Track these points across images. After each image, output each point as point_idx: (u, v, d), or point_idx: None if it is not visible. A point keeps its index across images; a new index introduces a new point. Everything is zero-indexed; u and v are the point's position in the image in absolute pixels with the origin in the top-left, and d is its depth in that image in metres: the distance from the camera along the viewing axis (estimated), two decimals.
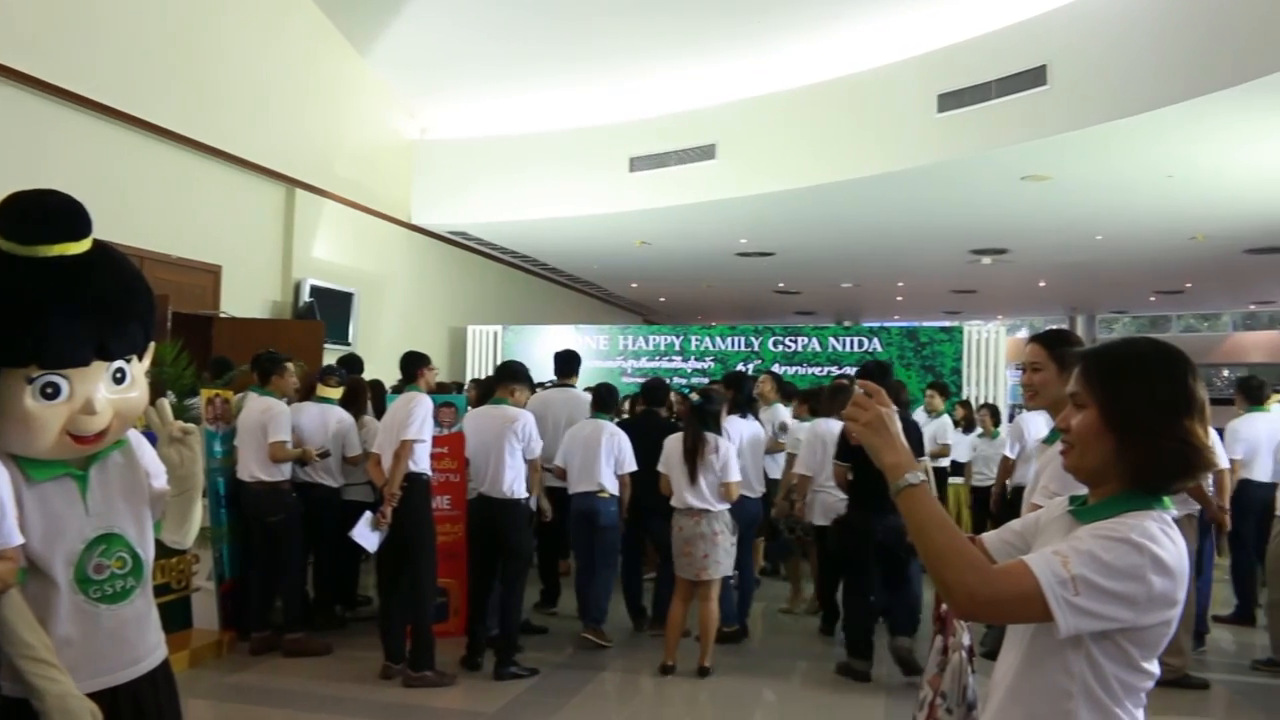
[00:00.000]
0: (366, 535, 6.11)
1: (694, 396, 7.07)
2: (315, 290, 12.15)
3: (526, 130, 14.82)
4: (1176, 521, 1.73)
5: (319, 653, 6.72)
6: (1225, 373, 28.87)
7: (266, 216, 11.83)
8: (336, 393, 7.35)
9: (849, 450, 6.42)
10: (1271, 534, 6.82)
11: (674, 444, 6.56)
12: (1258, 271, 18.95)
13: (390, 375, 9.27)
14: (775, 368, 13.23)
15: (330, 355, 10.48)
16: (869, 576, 6.49)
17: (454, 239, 16.41)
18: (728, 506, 6.44)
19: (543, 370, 9.60)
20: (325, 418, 7.16)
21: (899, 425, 1.82)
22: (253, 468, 6.74)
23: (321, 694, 5.96)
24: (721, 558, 6.37)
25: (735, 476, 6.44)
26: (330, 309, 12.28)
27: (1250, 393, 7.87)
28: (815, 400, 8.20)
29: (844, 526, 6.72)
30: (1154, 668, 1.72)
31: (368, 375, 8.58)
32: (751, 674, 6.57)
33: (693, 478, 6.39)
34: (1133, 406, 1.73)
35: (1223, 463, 6.98)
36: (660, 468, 6.56)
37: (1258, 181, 12.00)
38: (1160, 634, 1.69)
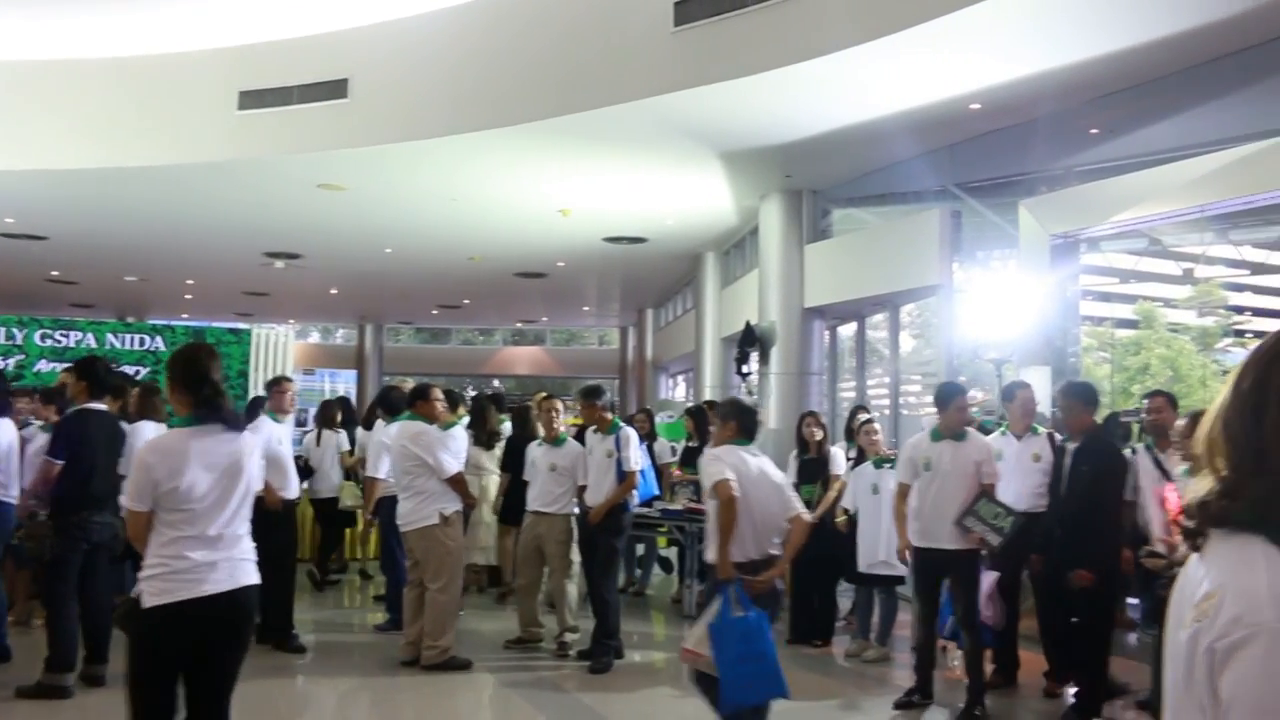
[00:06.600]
0: None
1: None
2: None
3: None
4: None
5: None
6: (496, 382, 31.70)
7: None
8: None
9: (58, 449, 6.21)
10: (523, 527, 7.33)
11: None
12: (525, 293, 21.27)
13: None
14: (42, 364, 11.95)
15: None
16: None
17: None
18: None
19: None
20: None
21: None
22: None
23: None
24: None
25: None
26: None
27: (389, 406, 8.06)
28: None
29: (56, 529, 6.17)
30: None
31: None
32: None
33: None
34: None
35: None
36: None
37: (524, 213, 13.50)
38: None
